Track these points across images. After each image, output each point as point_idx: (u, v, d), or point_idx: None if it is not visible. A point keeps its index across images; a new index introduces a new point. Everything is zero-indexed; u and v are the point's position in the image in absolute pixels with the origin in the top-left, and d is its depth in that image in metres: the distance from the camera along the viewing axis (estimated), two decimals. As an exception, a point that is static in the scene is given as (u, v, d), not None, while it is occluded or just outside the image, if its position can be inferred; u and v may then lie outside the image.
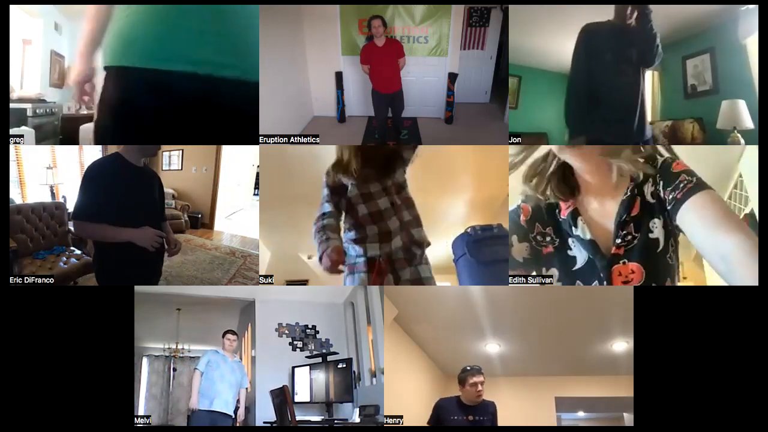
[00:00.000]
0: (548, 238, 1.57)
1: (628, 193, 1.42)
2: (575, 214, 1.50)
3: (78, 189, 2.02)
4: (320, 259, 1.97)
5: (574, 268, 1.50)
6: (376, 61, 4.33)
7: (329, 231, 2.05)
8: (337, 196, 2.15)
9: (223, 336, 3.42)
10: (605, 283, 1.43)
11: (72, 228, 2.06)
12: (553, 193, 1.52)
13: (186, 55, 1.63)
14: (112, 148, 2.18)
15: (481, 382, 2.69)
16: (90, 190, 2.03)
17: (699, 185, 1.28)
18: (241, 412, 3.36)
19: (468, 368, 2.74)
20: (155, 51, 1.63)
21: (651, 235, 1.39)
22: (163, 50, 1.63)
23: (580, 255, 1.50)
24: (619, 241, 1.42)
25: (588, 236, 1.46)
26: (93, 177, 2.05)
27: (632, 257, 1.40)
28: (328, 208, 2.14)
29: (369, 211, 2.08)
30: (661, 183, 1.38)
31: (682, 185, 1.31)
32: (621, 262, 1.41)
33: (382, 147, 2.22)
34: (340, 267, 1.96)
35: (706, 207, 1.24)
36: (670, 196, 1.33)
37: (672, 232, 1.40)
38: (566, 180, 1.51)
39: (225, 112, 1.72)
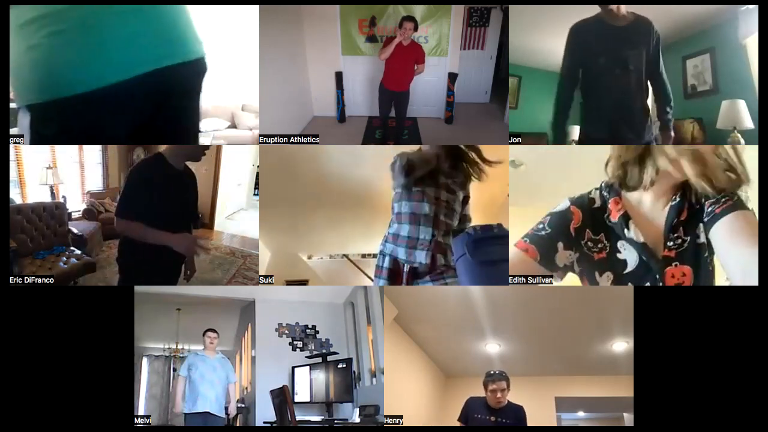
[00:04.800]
0: (600, 245, 1.54)
1: (678, 198, 1.45)
2: (626, 218, 1.49)
3: (122, 188, 2.11)
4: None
5: (626, 271, 1.49)
6: (395, 58, 4.22)
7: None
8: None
9: (204, 335, 3.41)
10: (660, 284, 1.44)
11: (115, 225, 2.10)
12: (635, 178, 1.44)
13: (124, 62, 1.59)
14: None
15: (502, 389, 2.76)
16: (133, 189, 2.09)
17: (738, 204, 1.32)
18: (232, 406, 3.36)
19: (490, 374, 2.81)
20: (93, 71, 1.55)
21: (698, 240, 1.42)
22: (100, 67, 1.56)
23: (630, 257, 1.49)
24: (671, 244, 1.43)
25: (641, 239, 1.46)
26: (135, 177, 2.11)
27: (684, 260, 1.42)
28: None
29: (411, 210, 2.07)
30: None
31: (723, 200, 1.34)
32: (673, 264, 1.43)
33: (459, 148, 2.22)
34: None
35: (737, 225, 1.28)
36: (709, 209, 1.37)
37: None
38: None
39: (179, 96, 1.78)
